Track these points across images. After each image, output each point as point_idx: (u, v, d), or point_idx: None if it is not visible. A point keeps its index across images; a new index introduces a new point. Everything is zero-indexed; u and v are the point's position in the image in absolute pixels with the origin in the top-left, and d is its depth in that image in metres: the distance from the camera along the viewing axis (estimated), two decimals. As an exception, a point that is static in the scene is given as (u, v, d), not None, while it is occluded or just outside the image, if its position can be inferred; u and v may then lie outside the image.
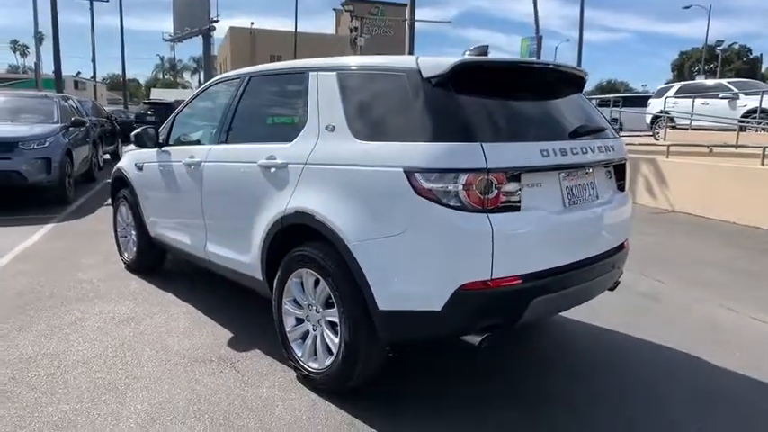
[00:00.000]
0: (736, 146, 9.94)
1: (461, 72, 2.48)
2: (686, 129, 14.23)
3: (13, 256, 5.42)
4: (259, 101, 3.56)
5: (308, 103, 3.00)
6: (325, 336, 2.82)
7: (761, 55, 58.73)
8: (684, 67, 57.40)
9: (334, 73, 2.93)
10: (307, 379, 2.93)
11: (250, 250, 3.25)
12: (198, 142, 4.04)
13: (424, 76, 2.51)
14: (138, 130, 4.17)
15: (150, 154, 4.33)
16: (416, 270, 2.43)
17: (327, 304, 2.80)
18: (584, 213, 2.76)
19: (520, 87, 2.77)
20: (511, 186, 2.40)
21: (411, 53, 12.06)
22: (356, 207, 2.58)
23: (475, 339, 2.45)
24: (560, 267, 2.60)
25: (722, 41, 44.16)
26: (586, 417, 2.74)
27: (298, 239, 2.92)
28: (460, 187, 2.32)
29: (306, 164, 2.86)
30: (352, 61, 2.97)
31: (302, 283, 2.94)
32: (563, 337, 3.74)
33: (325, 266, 2.71)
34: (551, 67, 2.96)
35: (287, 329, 3.05)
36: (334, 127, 2.80)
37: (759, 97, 12.51)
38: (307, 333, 2.97)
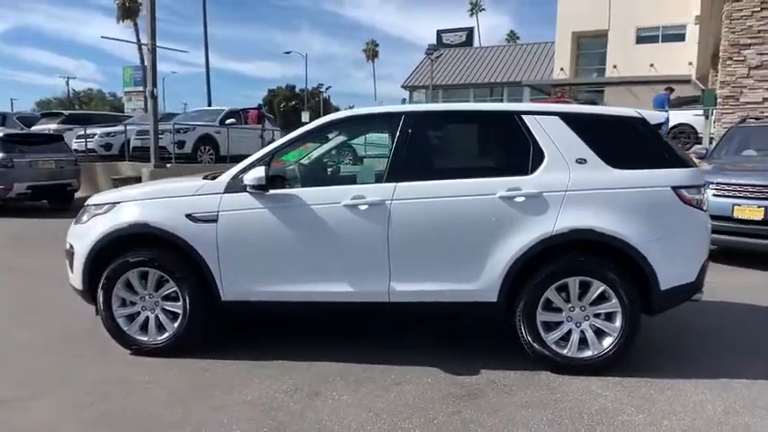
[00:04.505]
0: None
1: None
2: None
3: None
4: (450, 140, 3.81)
5: (536, 141, 3.58)
6: (600, 326, 3.52)
7: (329, 96, 73.17)
8: (273, 103, 65.70)
9: (556, 117, 3.63)
10: (577, 369, 3.52)
11: (480, 277, 3.52)
12: (342, 181, 3.73)
13: (651, 123, 3.61)
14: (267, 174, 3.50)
15: (236, 199, 3.62)
16: (685, 255, 3.57)
17: (594, 301, 3.52)
18: None
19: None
20: None
21: (154, 79, 10.98)
22: (633, 218, 3.46)
23: (699, 296, 3.73)
24: None
25: (323, 84, 53.04)
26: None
27: (544, 257, 3.49)
28: (703, 196, 3.58)
29: (567, 190, 3.48)
30: (567, 108, 3.74)
31: (561, 291, 3.53)
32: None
33: (597, 269, 3.48)
34: None
35: (543, 335, 3.54)
36: (585, 160, 3.53)
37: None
38: (569, 332, 3.55)
